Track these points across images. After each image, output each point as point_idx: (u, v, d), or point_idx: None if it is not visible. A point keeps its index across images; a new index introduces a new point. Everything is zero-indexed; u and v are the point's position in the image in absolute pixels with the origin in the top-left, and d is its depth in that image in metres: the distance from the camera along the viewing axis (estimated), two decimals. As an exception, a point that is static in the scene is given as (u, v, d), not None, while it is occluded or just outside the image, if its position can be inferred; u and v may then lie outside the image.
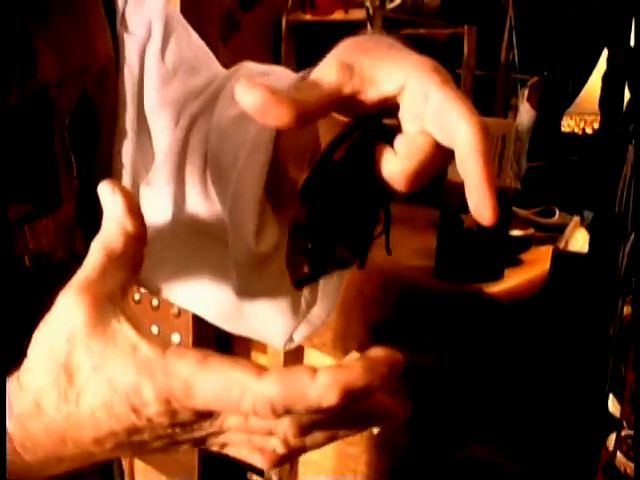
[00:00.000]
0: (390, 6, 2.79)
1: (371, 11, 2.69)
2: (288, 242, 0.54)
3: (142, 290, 1.53)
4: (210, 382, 0.40)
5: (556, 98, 3.03)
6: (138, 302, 1.63)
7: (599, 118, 1.40)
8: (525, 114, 2.76)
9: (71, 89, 0.64)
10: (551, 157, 3.25)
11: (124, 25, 0.72)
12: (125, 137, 0.73)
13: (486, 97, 3.18)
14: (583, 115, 1.74)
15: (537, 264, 1.41)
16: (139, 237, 0.50)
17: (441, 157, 0.47)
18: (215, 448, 0.44)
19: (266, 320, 0.77)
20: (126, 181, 0.74)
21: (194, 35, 0.78)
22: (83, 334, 0.44)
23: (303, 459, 1.50)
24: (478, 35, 2.99)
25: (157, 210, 0.74)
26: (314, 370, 0.38)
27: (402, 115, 0.49)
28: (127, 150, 0.73)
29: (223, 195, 0.71)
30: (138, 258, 0.50)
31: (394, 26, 2.87)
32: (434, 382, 1.32)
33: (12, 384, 0.47)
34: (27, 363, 0.46)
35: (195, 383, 0.40)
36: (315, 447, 0.43)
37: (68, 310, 0.45)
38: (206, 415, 0.42)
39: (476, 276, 1.26)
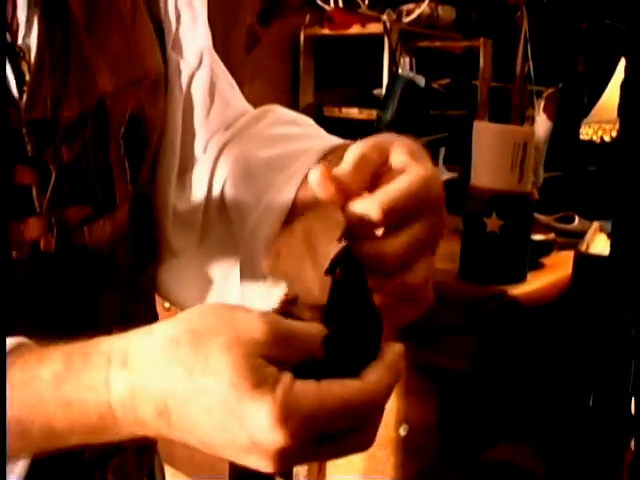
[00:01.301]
0: (406, 20, 2.83)
1: (388, 25, 2.73)
2: None
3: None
4: None
5: (572, 109, 3.05)
6: (168, 310, 1.66)
7: (617, 126, 1.43)
8: (541, 125, 2.78)
9: (126, 100, 0.69)
10: (568, 167, 3.27)
11: (177, 49, 0.77)
12: (172, 151, 0.78)
13: (502, 108, 3.21)
14: (601, 123, 1.77)
15: (558, 268, 1.44)
16: None
17: None
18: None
19: None
20: (168, 192, 0.79)
21: (225, 69, 0.84)
22: None
23: (331, 461, 1.53)
24: (494, 47, 3.03)
25: (188, 232, 0.80)
26: None
27: None
28: (172, 164, 0.79)
29: (239, 227, 0.77)
30: None
31: (410, 39, 2.91)
32: (460, 384, 1.34)
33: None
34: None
35: None
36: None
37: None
38: None
39: (499, 278, 1.29)
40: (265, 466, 0.44)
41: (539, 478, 1.34)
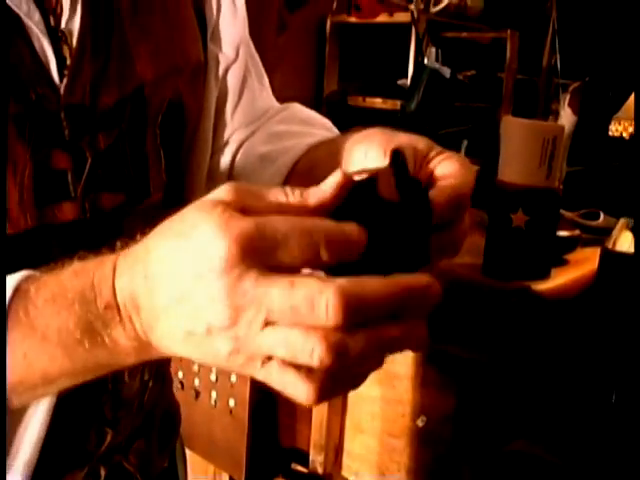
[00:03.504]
0: (434, 9, 2.82)
1: (415, 14, 2.72)
2: None
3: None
4: None
5: (598, 104, 3.03)
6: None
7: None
8: (566, 119, 2.76)
9: (165, 88, 0.70)
10: (592, 162, 3.25)
11: (216, 41, 0.77)
12: (205, 141, 0.79)
13: (527, 101, 3.19)
14: (631, 120, 1.76)
15: (583, 264, 1.43)
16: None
17: None
18: (258, 368, 0.42)
19: None
20: (200, 181, 0.80)
21: (258, 62, 0.84)
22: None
23: (347, 450, 1.54)
24: (521, 39, 3.01)
25: None
26: None
27: None
28: (205, 153, 0.79)
29: None
30: None
31: (438, 29, 2.90)
32: (480, 376, 1.34)
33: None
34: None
35: None
36: (356, 358, 0.41)
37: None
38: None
39: (524, 274, 1.28)
40: (217, 292, 0.40)
41: (557, 470, 1.34)
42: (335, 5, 2.93)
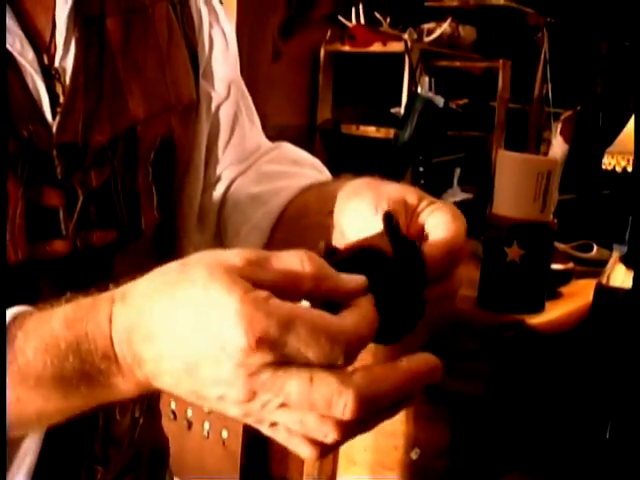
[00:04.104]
0: (427, 39, 2.85)
1: (409, 44, 2.74)
2: None
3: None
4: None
5: (589, 132, 3.05)
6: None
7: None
8: (558, 148, 2.78)
9: (158, 126, 0.70)
10: (583, 190, 3.27)
11: (208, 78, 0.78)
12: (196, 179, 0.79)
13: (519, 130, 3.21)
14: (624, 154, 1.77)
15: (576, 297, 1.43)
16: None
17: None
18: (265, 427, 0.43)
19: None
20: (192, 219, 0.80)
21: (249, 99, 0.85)
22: None
23: (341, 468, 1.53)
24: (513, 69, 3.04)
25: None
26: None
27: None
28: (196, 191, 0.79)
29: None
30: None
31: (431, 59, 2.93)
32: (474, 409, 1.34)
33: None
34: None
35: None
36: (362, 431, 0.43)
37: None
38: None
39: (518, 307, 1.28)
40: (234, 378, 0.40)
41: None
42: (329, 34, 2.95)
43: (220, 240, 0.81)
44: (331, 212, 0.58)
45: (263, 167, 0.81)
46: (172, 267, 0.43)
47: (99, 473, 0.69)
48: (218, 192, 0.80)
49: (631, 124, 1.81)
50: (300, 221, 0.69)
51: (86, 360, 0.44)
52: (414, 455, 1.42)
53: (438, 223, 0.52)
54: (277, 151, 0.84)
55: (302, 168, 0.79)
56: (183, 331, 0.41)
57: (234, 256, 0.42)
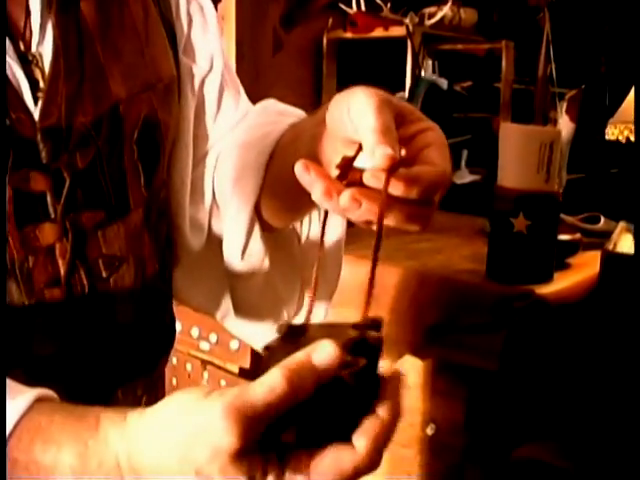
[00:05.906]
0: (429, 23, 2.84)
1: (411, 28, 2.74)
2: None
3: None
4: None
5: (594, 110, 3.04)
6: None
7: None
8: (564, 127, 2.77)
9: (140, 105, 0.70)
10: (591, 169, 3.26)
11: (189, 53, 0.78)
12: (186, 154, 0.80)
13: (525, 111, 3.20)
14: (627, 123, 1.77)
15: (584, 268, 1.44)
16: None
17: None
18: None
19: (249, 325, 0.85)
20: (184, 194, 0.81)
21: (232, 70, 0.86)
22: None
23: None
24: (516, 49, 3.02)
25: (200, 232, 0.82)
26: None
27: None
28: (186, 166, 0.80)
29: (223, 209, 0.80)
30: None
31: (433, 42, 2.92)
32: (487, 383, 1.34)
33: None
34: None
35: None
36: None
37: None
38: None
39: (527, 278, 1.29)
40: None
41: (567, 476, 1.34)
42: (331, 22, 2.95)
43: (212, 210, 0.82)
44: (323, 120, 0.59)
45: (251, 121, 0.81)
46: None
47: None
48: (210, 166, 0.81)
49: (632, 94, 1.81)
50: (293, 145, 0.70)
51: None
52: (430, 431, 1.43)
53: (430, 150, 0.55)
54: (261, 106, 0.85)
55: (289, 117, 0.80)
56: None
57: (230, 434, 0.45)
